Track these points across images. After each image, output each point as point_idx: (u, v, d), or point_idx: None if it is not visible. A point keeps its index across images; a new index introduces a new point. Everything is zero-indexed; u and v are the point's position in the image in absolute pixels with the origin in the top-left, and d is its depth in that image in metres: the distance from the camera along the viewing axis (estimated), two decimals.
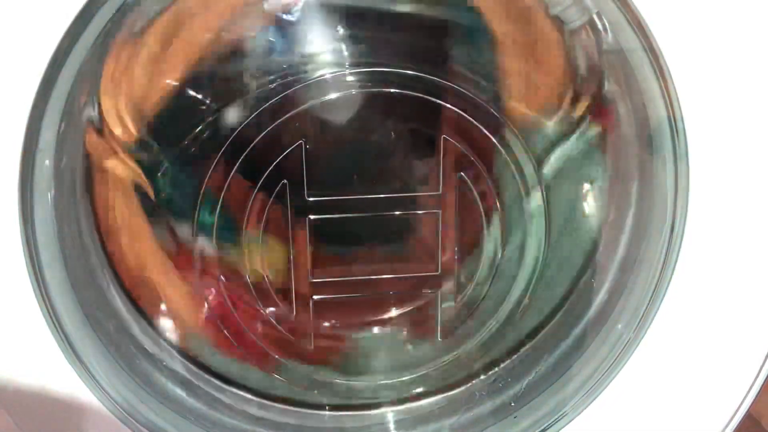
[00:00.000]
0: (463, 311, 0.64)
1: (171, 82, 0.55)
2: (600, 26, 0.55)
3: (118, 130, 0.55)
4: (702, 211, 0.50)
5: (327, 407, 0.65)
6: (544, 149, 0.60)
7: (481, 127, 0.58)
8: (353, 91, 0.56)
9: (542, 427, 0.58)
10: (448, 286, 0.63)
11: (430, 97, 0.57)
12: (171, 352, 0.61)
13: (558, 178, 0.62)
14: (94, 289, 0.57)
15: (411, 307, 0.66)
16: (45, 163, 0.49)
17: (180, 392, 0.61)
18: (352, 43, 0.56)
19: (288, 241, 0.59)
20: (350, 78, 0.56)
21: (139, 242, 0.60)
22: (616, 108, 0.58)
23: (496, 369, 0.65)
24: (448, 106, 0.57)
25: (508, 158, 0.59)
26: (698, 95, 0.47)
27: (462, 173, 0.59)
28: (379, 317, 0.66)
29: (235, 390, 0.64)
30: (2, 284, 0.47)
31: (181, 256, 0.60)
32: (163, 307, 0.61)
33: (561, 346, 0.63)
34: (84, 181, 0.56)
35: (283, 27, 0.55)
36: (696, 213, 0.50)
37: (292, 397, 0.65)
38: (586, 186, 0.63)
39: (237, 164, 0.56)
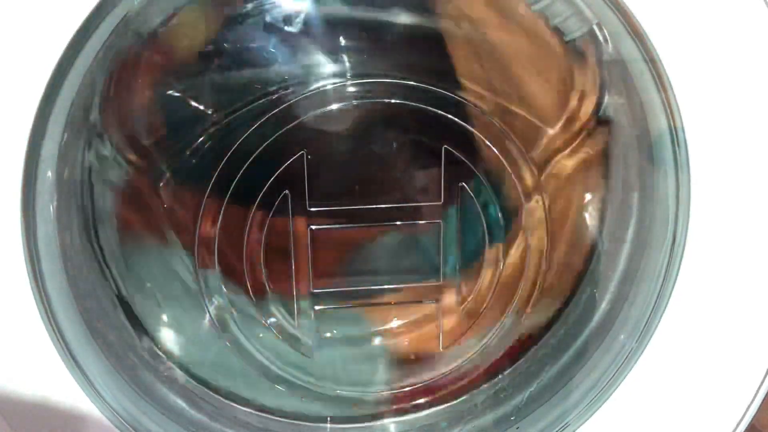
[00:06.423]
0: (465, 321, 0.64)
1: (173, 92, 0.56)
2: (600, 37, 0.55)
3: (119, 140, 0.55)
4: (703, 222, 0.50)
5: (329, 419, 0.65)
6: (545, 159, 0.60)
7: (482, 137, 0.58)
8: (354, 102, 0.57)
9: None
10: (450, 296, 0.63)
11: (431, 108, 0.57)
12: (172, 363, 0.61)
13: (559, 189, 0.62)
14: (95, 299, 0.57)
15: (413, 317, 0.66)
16: (47, 174, 0.49)
17: (181, 403, 0.60)
18: (353, 54, 0.56)
19: (289, 251, 0.59)
20: (351, 89, 0.56)
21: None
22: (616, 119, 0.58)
23: (498, 379, 0.65)
24: (449, 116, 0.57)
25: (510, 168, 0.59)
26: (699, 105, 0.48)
27: (463, 183, 0.59)
28: (381, 327, 0.66)
29: (236, 402, 0.64)
30: (4, 294, 0.47)
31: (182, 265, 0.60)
32: (164, 317, 0.61)
33: (563, 356, 0.63)
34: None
35: (284, 38, 0.55)
36: (697, 223, 0.50)
37: (293, 410, 0.65)
38: (587, 196, 0.63)
39: (239, 174, 0.56)
